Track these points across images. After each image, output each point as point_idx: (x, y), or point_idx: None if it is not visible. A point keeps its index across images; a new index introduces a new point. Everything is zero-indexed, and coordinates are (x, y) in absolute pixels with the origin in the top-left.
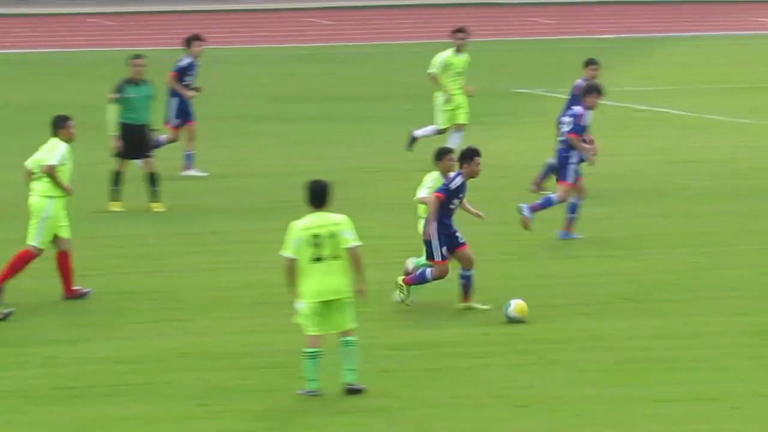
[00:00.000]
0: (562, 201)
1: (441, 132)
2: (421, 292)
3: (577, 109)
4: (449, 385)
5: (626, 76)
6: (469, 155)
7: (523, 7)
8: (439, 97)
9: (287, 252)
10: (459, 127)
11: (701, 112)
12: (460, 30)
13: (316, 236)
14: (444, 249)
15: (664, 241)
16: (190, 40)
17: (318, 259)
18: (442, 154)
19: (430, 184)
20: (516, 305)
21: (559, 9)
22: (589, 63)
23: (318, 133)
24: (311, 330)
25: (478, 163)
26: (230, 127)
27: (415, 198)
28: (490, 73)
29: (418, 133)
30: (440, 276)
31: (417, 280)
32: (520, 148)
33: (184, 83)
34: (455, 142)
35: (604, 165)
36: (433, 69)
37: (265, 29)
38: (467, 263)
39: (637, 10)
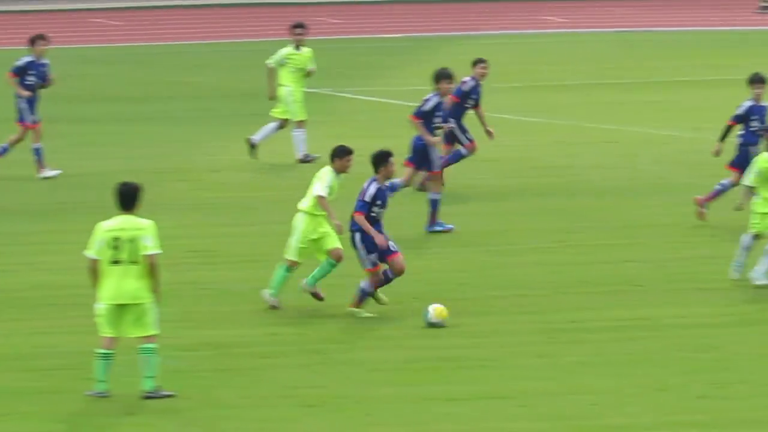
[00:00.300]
0: (406, 185)
1: (301, 123)
2: (209, 292)
3: (430, 95)
4: (239, 386)
5: (413, 75)
6: (384, 158)
7: (309, 7)
8: (284, 91)
9: (90, 252)
10: (285, 123)
11: (487, 111)
12: (298, 26)
13: (116, 239)
14: (372, 256)
15: (453, 240)
16: (34, 40)
17: (116, 262)
18: (342, 153)
19: (327, 180)
20: (434, 310)
21: (347, 8)
22: (478, 62)
23: (107, 133)
24: (105, 331)
25: (392, 164)
26: (14, 128)
27: (313, 194)
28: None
29: (296, 138)
30: (377, 284)
31: (361, 298)
32: (308, 148)
33: (26, 82)
34: (264, 134)
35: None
36: (271, 61)
37: (52, 30)
38: (397, 272)
39: (423, 10)
